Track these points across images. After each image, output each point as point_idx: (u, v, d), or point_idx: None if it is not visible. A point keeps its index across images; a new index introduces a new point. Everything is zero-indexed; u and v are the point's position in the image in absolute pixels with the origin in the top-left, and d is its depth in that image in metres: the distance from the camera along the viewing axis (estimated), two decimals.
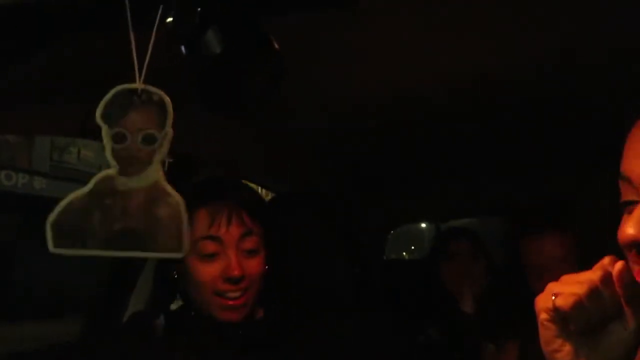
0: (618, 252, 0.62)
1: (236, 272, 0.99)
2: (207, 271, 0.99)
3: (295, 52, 0.84)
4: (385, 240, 2.83)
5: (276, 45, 0.50)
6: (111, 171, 0.55)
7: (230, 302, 1.00)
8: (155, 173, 0.56)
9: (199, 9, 0.46)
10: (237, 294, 1.00)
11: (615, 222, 0.61)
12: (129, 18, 0.50)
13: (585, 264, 0.61)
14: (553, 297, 0.58)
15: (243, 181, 1.60)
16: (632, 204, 0.58)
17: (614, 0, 0.78)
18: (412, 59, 0.96)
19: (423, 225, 5.47)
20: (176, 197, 0.57)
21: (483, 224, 3.15)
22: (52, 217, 0.54)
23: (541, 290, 0.60)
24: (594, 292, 0.57)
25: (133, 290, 1.35)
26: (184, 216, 0.57)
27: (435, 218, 3.24)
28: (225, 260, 1.00)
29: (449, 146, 1.55)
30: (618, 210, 0.61)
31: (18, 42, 0.68)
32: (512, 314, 1.63)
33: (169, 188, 0.57)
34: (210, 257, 0.99)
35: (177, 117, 0.56)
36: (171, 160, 1.38)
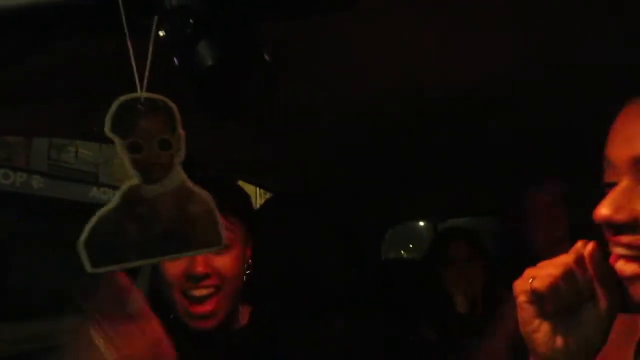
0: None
1: (200, 269, 0.93)
2: (173, 268, 0.95)
3: (295, 52, 0.84)
4: (383, 239, 2.84)
5: (267, 57, 0.51)
6: (134, 181, 0.56)
7: (199, 310, 0.95)
8: (178, 175, 0.57)
9: (191, 21, 0.46)
10: (202, 293, 0.95)
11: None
12: (125, 29, 0.50)
13: None
14: (530, 280, 0.61)
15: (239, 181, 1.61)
16: (612, 185, 0.61)
17: (615, 1, 0.78)
18: (412, 59, 0.96)
19: (421, 223, 5.48)
20: (204, 193, 0.58)
21: (481, 223, 3.15)
22: (83, 237, 0.54)
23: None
24: (568, 274, 0.60)
25: None
26: (216, 210, 0.58)
27: (433, 217, 3.24)
28: (187, 258, 0.94)
29: (447, 145, 1.55)
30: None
31: (16, 43, 0.68)
32: (507, 312, 1.64)
33: (195, 187, 0.58)
34: None
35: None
36: None
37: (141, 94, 0.53)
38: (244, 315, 1.08)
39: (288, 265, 1.24)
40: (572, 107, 1.23)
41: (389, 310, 1.92)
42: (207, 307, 0.95)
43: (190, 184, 0.57)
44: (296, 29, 0.73)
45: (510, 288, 0.65)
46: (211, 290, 0.96)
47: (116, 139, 0.54)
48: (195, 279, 0.94)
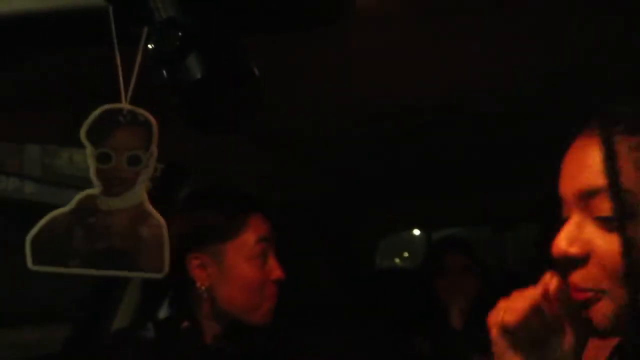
0: None
1: (283, 274, 1.03)
2: (260, 274, 1.02)
3: (293, 62, 0.83)
4: (377, 247, 2.83)
5: (256, 71, 0.51)
6: (94, 191, 0.56)
7: (273, 302, 1.04)
8: (139, 194, 0.56)
9: (180, 34, 0.46)
10: (276, 292, 1.04)
11: None
12: (114, 40, 0.50)
13: None
14: (501, 313, 0.64)
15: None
16: (565, 220, 0.63)
17: (615, 18, 0.78)
18: (408, 69, 0.95)
19: (416, 232, 5.49)
20: (159, 218, 0.58)
21: (475, 233, 3.16)
22: (31, 234, 0.55)
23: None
24: (535, 307, 0.63)
25: (119, 303, 1.34)
26: (166, 237, 0.58)
27: (427, 226, 3.24)
28: (271, 262, 1.04)
29: (442, 155, 1.55)
30: None
31: (8, 52, 0.68)
32: None
33: (152, 210, 0.58)
34: (263, 257, 1.03)
35: (172, 125, 0.56)
36: (162, 166, 1.37)
37: (124, 105, 0.53)
38: None
39: None
40: (566, 119, 1.22)
41: (383, 319, 1.91)
42: (276, 300, 1.04)
43: (148, 205, 0.57)
44: (291, 40, 0.73)
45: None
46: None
47: (88, 147, 0.55)
48: (279, 283, 1.04)
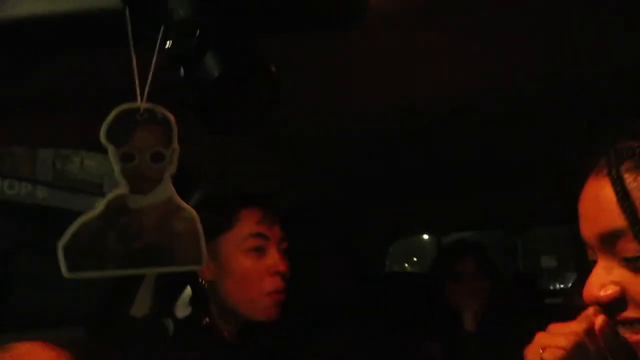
0: None
1: (283, 267, 1.04)
2: (255, 267, 1.04)
3: (293, 61, 0.84)
4: (386, 252, 2.83)
5: (273, 68, 0.52)
6: (121, 190, 0.56)
7: (277, 298, 1.05)
8: (166, 189, 0.57)
9: (197, 32, 0.47)
10: (282, 286, 1.05)
11: None
12: (130, 40, 0.51)
13: None
14: (541, 351, 0.61)
15: None
16: (593, 262, 0.62)
17: (615, 19, 0.79)
18: (408, 69, 0.96)
19: (425, 237, 5.46)
20: (190, 211, 0.58)
21: (484, 237, 3.15)
22: (63, 241, 0.54)
23: None
24: (579, 345, 0.60)
25: (134, 298, 1.35)
26: (200, 229, 0.58)
27: (436, 230, 3.23)
28: (270, 257, 1.05)
29: (450, 159, 1.55)
30: None
31: (24, 57, 0.69)
32: (514, 330, 1.62)
33: (183, 203, 0.58)
34: (258, 251, 1.04)
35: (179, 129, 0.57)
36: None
37: (140, 104, 0.54)
38: None
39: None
40: (575, 122, 1.23)
41: (392, 323, 1.90)
42: (281, 297, 1.06)
43: (178, 199, 0.57)
44: (292, 39, 0.74)
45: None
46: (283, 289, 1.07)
47: (110, 147, 0.55)
48: (282, 275, 1.05)
